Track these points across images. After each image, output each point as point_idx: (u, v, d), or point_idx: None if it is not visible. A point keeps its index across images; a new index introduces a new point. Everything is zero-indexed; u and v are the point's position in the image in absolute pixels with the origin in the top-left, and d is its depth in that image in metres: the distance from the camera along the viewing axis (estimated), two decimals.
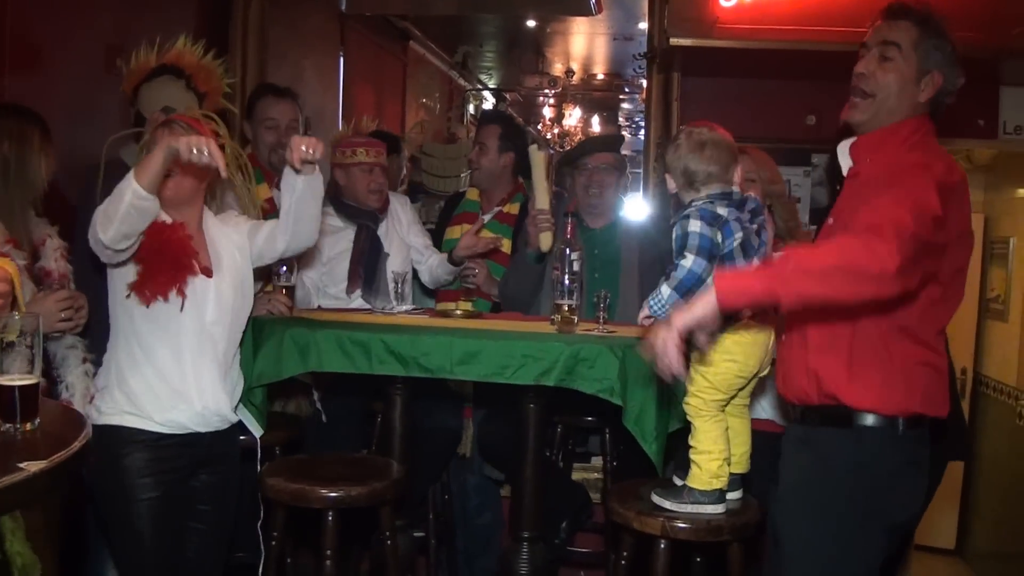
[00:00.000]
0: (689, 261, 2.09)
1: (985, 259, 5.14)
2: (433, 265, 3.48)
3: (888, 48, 2.01)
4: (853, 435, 1.98)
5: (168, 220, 2.34)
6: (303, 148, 2.36)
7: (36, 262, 2.51)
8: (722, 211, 2.14)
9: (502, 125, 3.70)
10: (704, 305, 1.78)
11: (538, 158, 3.29)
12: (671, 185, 2.25)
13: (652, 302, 2.14)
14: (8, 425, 1.64)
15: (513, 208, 3.58)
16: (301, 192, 2.43)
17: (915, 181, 1.84)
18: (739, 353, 2.16)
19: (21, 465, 1.31)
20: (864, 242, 1.73)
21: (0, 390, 1.64)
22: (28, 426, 1.61)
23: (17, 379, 1.64)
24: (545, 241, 3.17)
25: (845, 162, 2.13)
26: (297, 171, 2.40)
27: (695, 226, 2.11)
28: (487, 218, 3.60)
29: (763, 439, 2.38)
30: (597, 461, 3.56)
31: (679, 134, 2.26)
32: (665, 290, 2.12)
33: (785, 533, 2.10)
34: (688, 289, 2.10)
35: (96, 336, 2.52)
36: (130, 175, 2.15)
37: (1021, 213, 4.84)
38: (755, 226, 2.21)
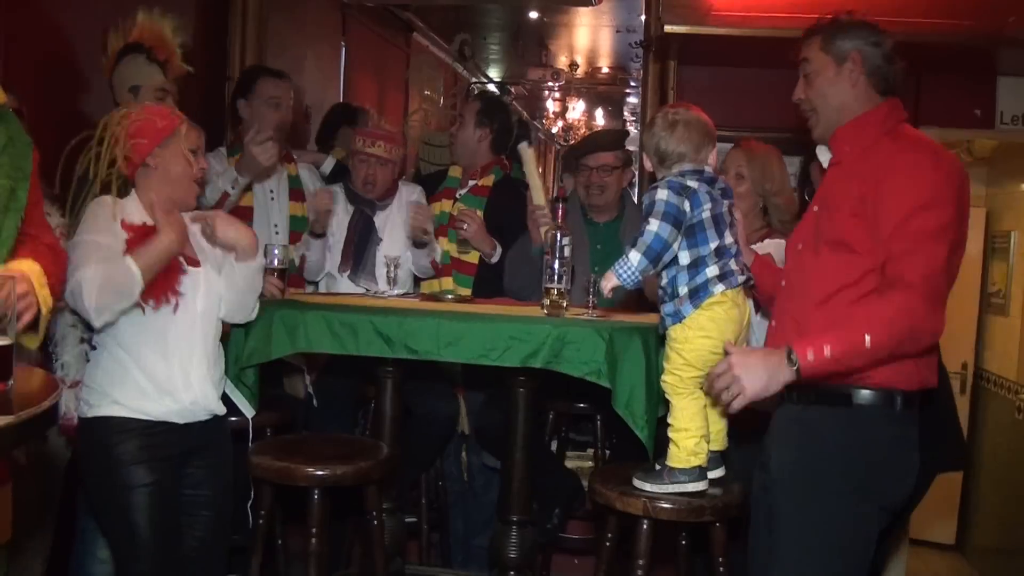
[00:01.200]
0: (655, 226, 2.13)
1: (986, 253, 5.12)
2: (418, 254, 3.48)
3: (803, 65, 2.14)
4: (849, 414, 2.00)
5: (149, 221, 2.34)
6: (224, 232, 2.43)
7: None
8: (691, 183, 2.19)
9: (483, 102, 3.74)
10: (782, 377, 1.90)
11: (528, 155, 3.31)
12: (647, 164, 2.32)
13: (620, 270, 2.16)
14: None
15: (487, 180, 3.60)
16: (240, 273, 2.47)
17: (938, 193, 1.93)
18: (713, 329, 2.18)
19: None
20: (922, 304, 1.87)
21: None
22: (2, 386, 1.62)
23: None
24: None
25: (824, 156, 2.18)
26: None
27: (662, 195, 2.16)
28: (463, 192, 3.62)
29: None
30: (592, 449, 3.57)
31: (656, 115, 2.33)
32: (634, 256, 2.15)
33: (779, 513, 2.09)
34: (657, 254, 2.14)
35: None
36: (135, 272, 2.20)
37: (1022, 207, 4.82)
38: (727, 203, 2.25)
